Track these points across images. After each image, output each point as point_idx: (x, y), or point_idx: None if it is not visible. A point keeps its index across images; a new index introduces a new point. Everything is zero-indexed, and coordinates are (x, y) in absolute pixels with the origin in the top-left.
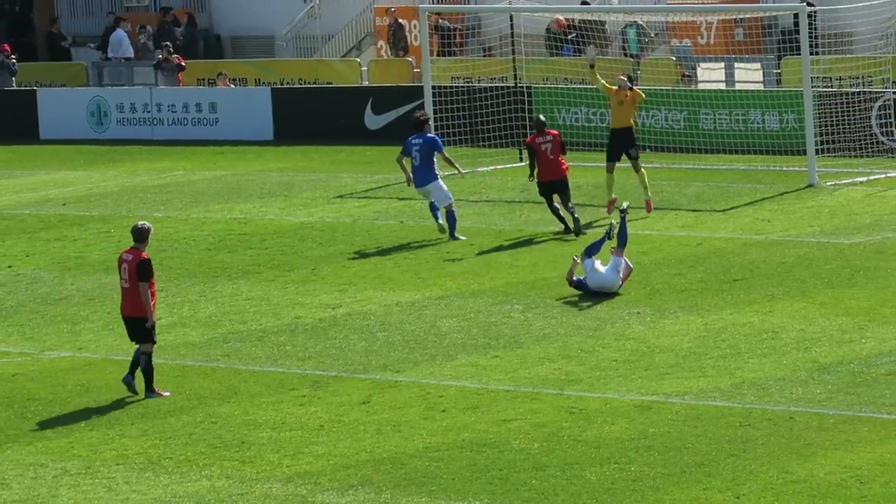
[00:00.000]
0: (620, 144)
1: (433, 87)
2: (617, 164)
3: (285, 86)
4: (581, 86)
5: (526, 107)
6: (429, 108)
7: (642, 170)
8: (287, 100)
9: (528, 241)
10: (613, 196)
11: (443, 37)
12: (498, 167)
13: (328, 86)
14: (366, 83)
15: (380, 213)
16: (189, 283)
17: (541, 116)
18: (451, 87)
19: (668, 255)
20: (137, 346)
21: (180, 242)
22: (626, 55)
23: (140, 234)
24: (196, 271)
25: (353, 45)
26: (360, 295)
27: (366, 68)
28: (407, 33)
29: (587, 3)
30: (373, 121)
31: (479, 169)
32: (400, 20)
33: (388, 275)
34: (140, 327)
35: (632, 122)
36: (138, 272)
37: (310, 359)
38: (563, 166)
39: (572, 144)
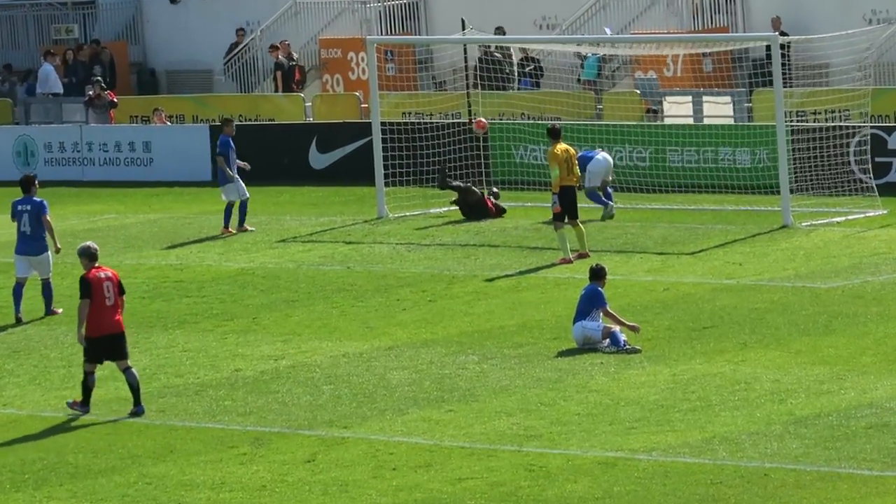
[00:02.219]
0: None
1: (382, 124)
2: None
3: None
4: (540, 121)
5: (481, 143)
6: (377, 146)
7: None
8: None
9: (484, 288)
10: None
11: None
12: (452, 208)
13: (270, 122)
14: (310, 119)
15: (325, 258)
16: None
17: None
18: (401, 124)
19: (633, 301)
20: (123, 369)
21: None
22: (581, 84)
23: (96, 255)
24: (129, 321)
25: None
26: (304, 346)
27: (310, 104)
28: (355, 66)
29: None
30: (318, 160)
31: (431, 210)
32: (291, 56)
33: (335, 324)
34: (122, 343)
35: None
36: (80, 289)
37: (251, 414)
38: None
39: (531, 184)
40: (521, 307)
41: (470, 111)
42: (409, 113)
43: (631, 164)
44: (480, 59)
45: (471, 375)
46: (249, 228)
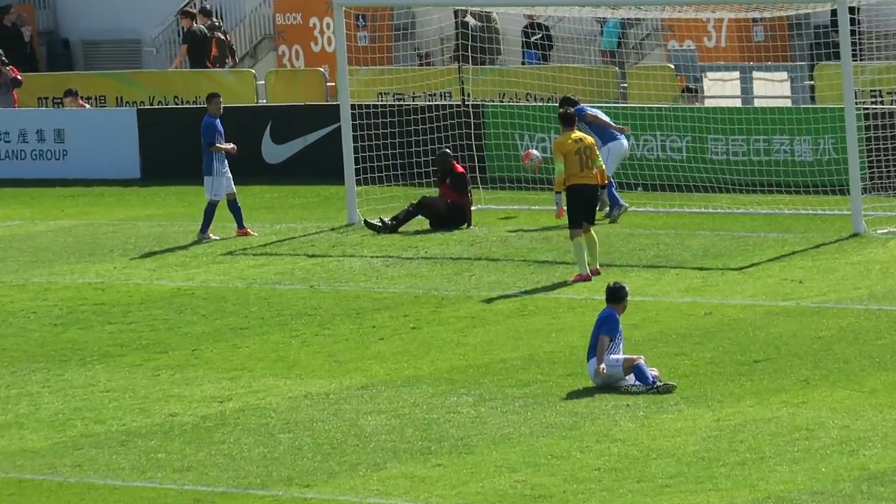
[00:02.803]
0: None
1: (353, 107)
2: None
3: (156, 106)
4: (550, 103)
5: (473, 131)
6: (347, 134)
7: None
8: (159, 124)
9: (481, 312)
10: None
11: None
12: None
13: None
14: (263, 101)
15: (283, 275)
16: (28, 369)
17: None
18: (376, 107)
19: (666, 327)
20: None
21: (16, 316)
22: (604, 57)
23: None
24: (37, 354)
25: (246, 50)
26: (256, 384)
27: (263, 82)
28: (318, 34)
29: None
30: (273, 152)
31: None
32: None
33: (294, 357)
34: None
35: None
36: None
37: (190, 470)
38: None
39: (538, 182)
40: (527, 336)
41: (463, 90)
42: (387, 93)
43: (663, 156)
44: (472, 26)
45: (464, 421)
46: (252, 232)
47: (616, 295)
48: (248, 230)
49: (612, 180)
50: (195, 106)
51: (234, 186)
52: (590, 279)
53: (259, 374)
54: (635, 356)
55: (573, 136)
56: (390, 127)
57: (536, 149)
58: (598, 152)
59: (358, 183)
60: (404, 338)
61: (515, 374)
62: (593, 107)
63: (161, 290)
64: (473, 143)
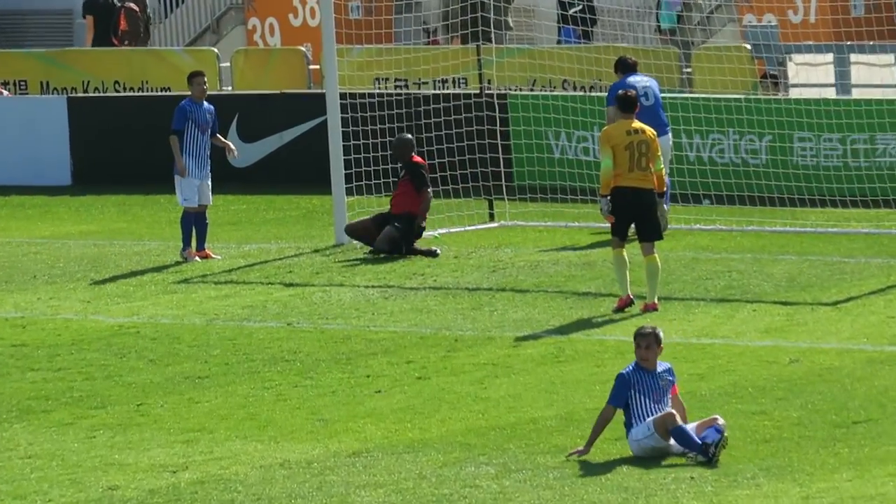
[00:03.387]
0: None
1: (343, 96)
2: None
3: (92, 94)
4: (592, 93)
5: (498, 127)
6: (335, 131)
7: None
8: (95, 117)
9: (505, 357)
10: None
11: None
12: (455, 230)
13: (164, 94)
14: (227, 89)
15: (253, 310)
16: None
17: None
18: (372, 96)
19: (741, 378)
20: None
21: None
22: (662, 35)
23: None
24: None
25: (206, 23)
26: (219, 449)
27: (228, 64)
28: (298, 4)
29: None
30: (241, 153)
31: (424, 234)
32: None
33: (268, 414)
34: None
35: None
36: None
37: None
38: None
39: (578, 193)
40: (564, 389)
41: (482, 76)
42: (385, 79)
43: (737, 159)
44: None
45: (484, 498)
46: (214, 255)
47: (645, 340)
48: (210, 252)
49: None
50: (141, 94)
51: (211, 197)
52: (632, 303)
53: (222, 436)
54: (667, 412)
55: (628, 125)
56: (389, 122)
57: (574, 149)
58: (659, 151)
59: (348, 192)
60: (407, 390)
61: (549, 438)
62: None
63: (98, 328)
64: (500, 142)
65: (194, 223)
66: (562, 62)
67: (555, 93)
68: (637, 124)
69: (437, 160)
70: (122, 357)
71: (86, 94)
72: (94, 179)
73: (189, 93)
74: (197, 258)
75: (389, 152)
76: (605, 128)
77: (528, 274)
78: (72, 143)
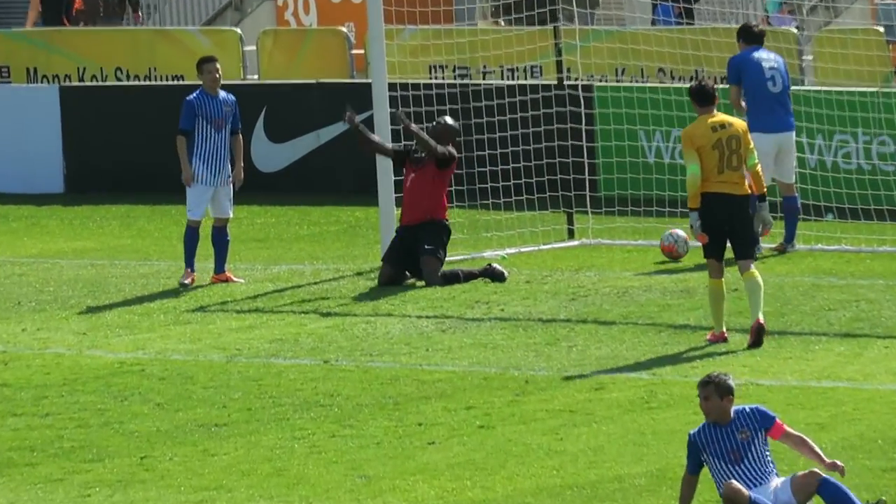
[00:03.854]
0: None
1: (394, 87)
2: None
3: (89, 83)
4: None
5: (583, 126)
6: (382, 129)
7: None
8: (92, 111)
9: (585, 402)
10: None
11: None
12: (526, 249)
13: (175, 84)
14: (253, 78)
15: (282, 344)
16: None
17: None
18: (429, 87)
19: (870, 428)
20: None
21: None
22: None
23: None
24: None
25: (226, 1)
26: None
27: (253, 47)
28: None
29: None
30: (268, 156)
31: (486, 253)
32: None
33: (299, 470)
34: None
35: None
36: None
37: None
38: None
39: (676, 205)
40: (655, 440)
41: (560, 63)
42: (442, 66)
43: (866, 165)
44: None
45: None
46: (235, 279)
47: (715, 388)
48: (230, 275)
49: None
50: (149, 83)
51: (231, 208)
52: (725, 339)
53: (243, 495)
54: (809, 472)
55: (711, 119)
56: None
57: (671, 152)
58: (752, 145)
59: (399, 203)
60: (467, 442)
61: (637, 500)
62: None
63: (94, 366)
64: (583, 144)
65: (213, 240)
66: (659, 46)
67: (649, 84)
68: (721, 117)
69: (504, 165)
70: (123, 400)
71: (81, 84)
72: (91, 186)
73: (200, 83)
74: (190, 280)
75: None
76: (686, 129)
77: (615, 302)
78: (64, 141)
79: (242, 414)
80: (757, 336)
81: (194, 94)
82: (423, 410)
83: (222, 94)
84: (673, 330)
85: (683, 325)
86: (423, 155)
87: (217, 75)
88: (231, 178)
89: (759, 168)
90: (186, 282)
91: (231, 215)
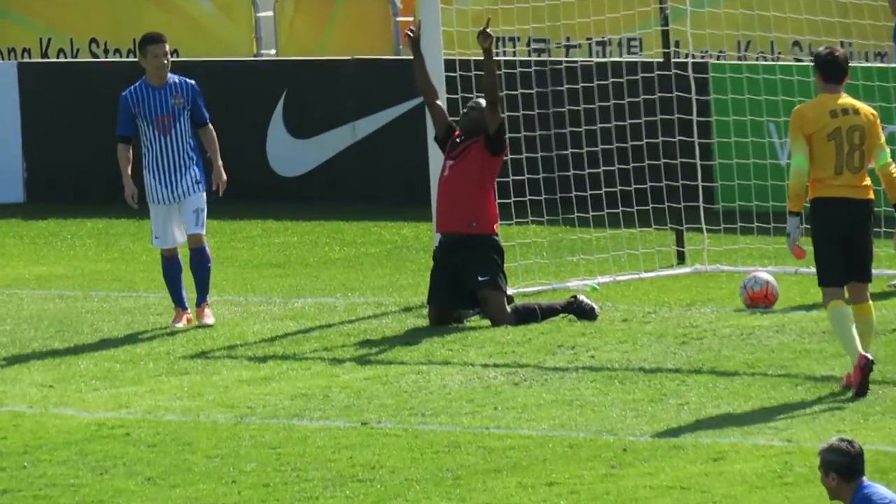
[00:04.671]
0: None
1: (450, 65)
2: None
3: (56, 60)
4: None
5: (695, 118)
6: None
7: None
8: (61, 97)
9: (702, 476)
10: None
11: None
12: (623, 277)
13: (178, 59)
14: (270, 54)
15: (307, 400)
16: None
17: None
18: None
19: None
20: None
21: None
22: None
23: None
24: None
25: None
26: None
27: (270, 13)
28: None
29: None
30: (288, 154)
31: (571, 283)
32: None
33: None
34: None
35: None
36: None
37: None
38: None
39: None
40: None
41: (667, 36)
42: (513, 39)
43: None
44: None
45: None
46: (205, 320)
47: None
48: (205, 312)
49: None
50: (133, 59)
51: (200, 223)
52: (871, 365)
53: None
54: None
55: (833, 101)
56: (523, 106)
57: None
58: (882, 139)
59: None
60: None
61: None
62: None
63: (65, 428)
64: (695, 140)
65: (192, 267)
66: (794, 11)
67: (781, 61)
68: (847, 100)
69: (594, 168)
70: (102, 473)
71: (46, 60)
72: (59, 194)
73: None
74: (184, 323)
75: (459, 120)
76: (798, 107)
77: (737, 347)
78: (25, 135)
79: (257, 491)
80: (862, 376)
81: (130, 89)
82: (491, 487)
83: (174, 79)
84: (812, 383)
85: (826, 376)
86: (461, 139)
87: (164, 60)
88: (201, 186)
89: (893, 169)
90: (179, 325)
91: (202, 231)
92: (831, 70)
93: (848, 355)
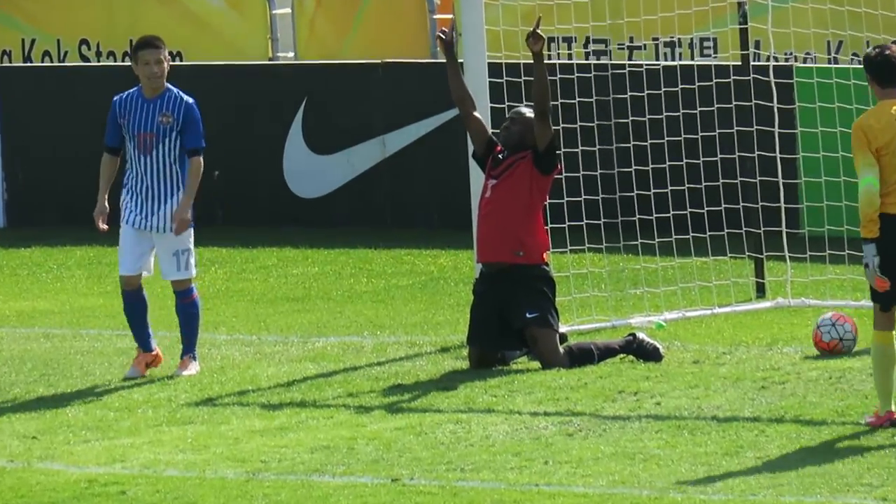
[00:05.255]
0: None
1: (495, 69)
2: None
3: (40, 64)
4: None
5: (776, 129)
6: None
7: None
8: (45, 105)
9: None
10: None
11: None
12: (693, 313)
13: (181, 64)
14: (288, 57)
15: (329, 453)
16: None
17: None
18: (549, 71)
19: None
20: None
21: None
22: None
23: None
24: None
25: None
26: None
27: (287, 10)
28: None
29: None
30: (308, 172)
31: (634, 320)
32: None
33: None
34: None
35: None
36: None
37: None
38: None
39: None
40: None
41: (745, 36)
42: (568, 39)
43: None
44: None
45: None
46: (187, 369)
47: None
48: (187, 364)
49: None
50: (128, 64)
51: (183, 267)
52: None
53: None
54: None
55: (890, 110)
56: (583, 117)
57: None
58: None
59: None
60: None
61: None
62: None
63: (51, 485)
64: (777, 155)
65: (176, 312)
66: (890, 9)
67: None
68: None
69: (660, 188)
70: None
71: (29, 64)
72: (44, 217)
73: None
74: (140, 369)
75: (500, 133)
76: (858, 119)
77: (826, 393)
78: (4, 149)
79: None
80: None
81: (120, 97)
82: None
83: (172, 93)
84: None
85: None
86: (504, 155)
87: (156, 69)
88: (174, 215)
89: None
90: (134, 368)
91: (182, 276)
92: (888, 73)
93: (877, 390)
